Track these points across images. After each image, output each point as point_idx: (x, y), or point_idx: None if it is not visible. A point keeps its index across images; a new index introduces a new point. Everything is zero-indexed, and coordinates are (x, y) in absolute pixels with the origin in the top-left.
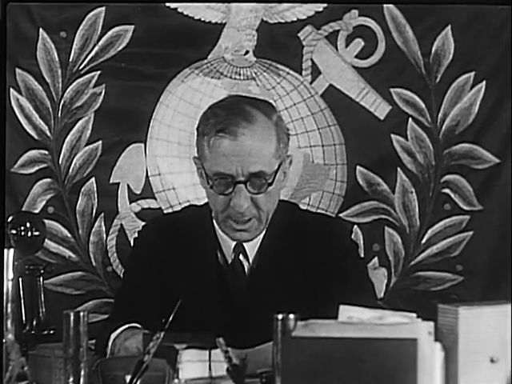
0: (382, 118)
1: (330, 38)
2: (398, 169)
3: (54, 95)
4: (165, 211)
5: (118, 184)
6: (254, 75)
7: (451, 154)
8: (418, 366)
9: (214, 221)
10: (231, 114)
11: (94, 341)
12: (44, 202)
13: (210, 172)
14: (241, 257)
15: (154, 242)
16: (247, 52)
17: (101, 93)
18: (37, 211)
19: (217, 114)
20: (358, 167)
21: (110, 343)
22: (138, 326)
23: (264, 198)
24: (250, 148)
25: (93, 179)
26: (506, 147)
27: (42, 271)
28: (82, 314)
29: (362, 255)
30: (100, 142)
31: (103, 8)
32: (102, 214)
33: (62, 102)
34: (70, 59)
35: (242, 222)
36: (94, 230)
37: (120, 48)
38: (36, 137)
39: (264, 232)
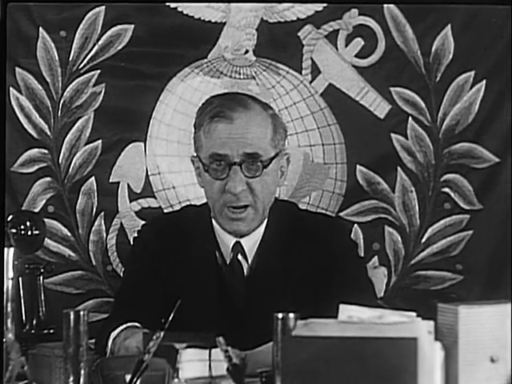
0: (381, 117)
1: (329, 37)
2: (398, 168)
3: (54, 94)
4: (165, 210)
5: (118, 183)
6: (253, 74)
7: (451, 153)
8: (417, 365)
9: (213, 218)
10: (226, 100)
11: (93, 340)
12: (44, 201)
13: (205, 158)
14: (239, 257)
15: (154, 242)
16: (247, 51)
17: (100, 92)
18: (37, 210)
19: (212, 102)
20: (357, 166)
21: (109, 342)
22: (138, 325)
23: (259, 184)
24: (246, 130)
25: (93, 178)
26: (506, 146)
27: (41, 270)
28: (81, 313)
29: (362, 254)
30: (100, 141)
31: (103, 7)
32: (102, 213)
33: (62, 101)
34: (70, 58)
35: (237, 208)
36: (93, 229)
37: (120, 47)
38: (36, 136)
39: (263, 231)
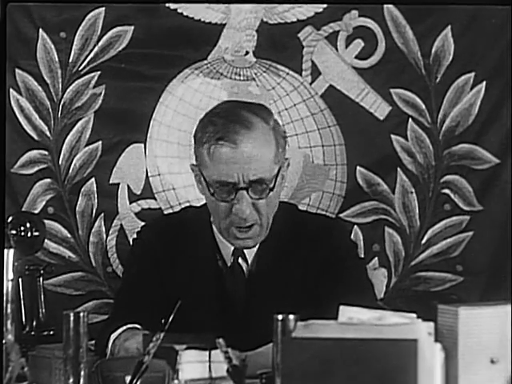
0: (382, 118)
1: (329, 38)
2: (398, 169)
3: (54, 96)
4: (165, 212)
5: (118, 184)
6: (253, 76)
7: (451, 155)
8: (417, 366)
9: (214, 226)
10: (230, 122)
11: (93, 341)
12: (44, 203)
13: (210, 180)
14: (240, 259)
15: (153, 243)
16: (247, 52)
17: (101, 93)
18: (37, 211)
19: (215, 122)
20: (358, 167)
21: (109, 344)
22: (138, 326)
23: (265, 203)
24: (250, 155)
25: (93, 180)
26: (506, 147)
27: (41, 272)
28: (81, 314)
29: (362, 255)
30: (100, 142)
31: (103, 9)
32: (102, 215)
33: (62, 102)
34: (70, 60)
35: (244, 228)
36: (93, 230)
37: (120, 48)
38: (36, 137)
39: None
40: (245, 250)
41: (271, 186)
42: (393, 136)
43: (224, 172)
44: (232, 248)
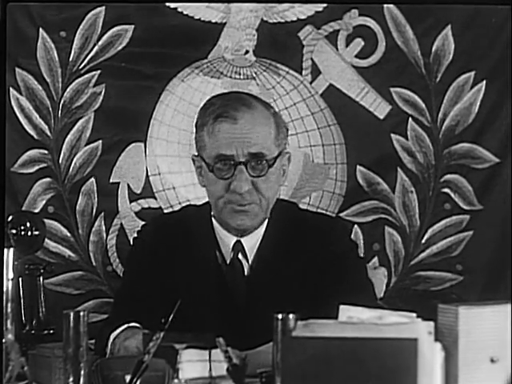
0: (382, 117)
1: (330, 37)
2: (398, 168)
3: (54, 95)
4: (165, 211)
5: (118, 183)
6: (253, 75)
7: (451, 154)
8: (417, 365)
9: (213, 218)
10: (229, 100)
11: (93, 340)
12: (44, 202)
13: (210, 158)
14: (240, 256)
15: (153, 242)
16: (247, 51)
17: (101, 92)
18: (37, 211)
19: (214, 103)
20: (358, 167)
21: (109, 343)
22: (138, 325)
23: (265, 183)
24: (250, 130)
25: (93, 179)
26: (506, 147)
27: (41, 271)
28: (81, 313)
29: (362, 255)
30: (100, 141)
31: (103, 8)
32: (102, 214)
33: (62, 101)
34: (70, 59)
35: (242, 204)
36: (93, 229)
37: (120, 47)
38: (36, 136)
39: (263, 231)
40: (245, 247)
41: (271, 162)
42: (393, 135)
43: (223, 146)
44: (232, 244)
